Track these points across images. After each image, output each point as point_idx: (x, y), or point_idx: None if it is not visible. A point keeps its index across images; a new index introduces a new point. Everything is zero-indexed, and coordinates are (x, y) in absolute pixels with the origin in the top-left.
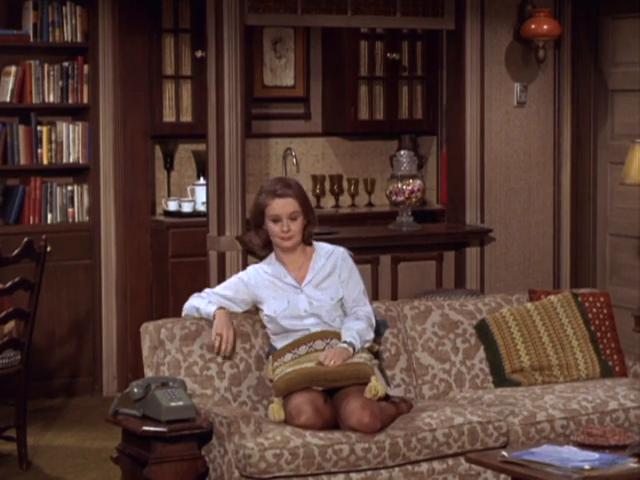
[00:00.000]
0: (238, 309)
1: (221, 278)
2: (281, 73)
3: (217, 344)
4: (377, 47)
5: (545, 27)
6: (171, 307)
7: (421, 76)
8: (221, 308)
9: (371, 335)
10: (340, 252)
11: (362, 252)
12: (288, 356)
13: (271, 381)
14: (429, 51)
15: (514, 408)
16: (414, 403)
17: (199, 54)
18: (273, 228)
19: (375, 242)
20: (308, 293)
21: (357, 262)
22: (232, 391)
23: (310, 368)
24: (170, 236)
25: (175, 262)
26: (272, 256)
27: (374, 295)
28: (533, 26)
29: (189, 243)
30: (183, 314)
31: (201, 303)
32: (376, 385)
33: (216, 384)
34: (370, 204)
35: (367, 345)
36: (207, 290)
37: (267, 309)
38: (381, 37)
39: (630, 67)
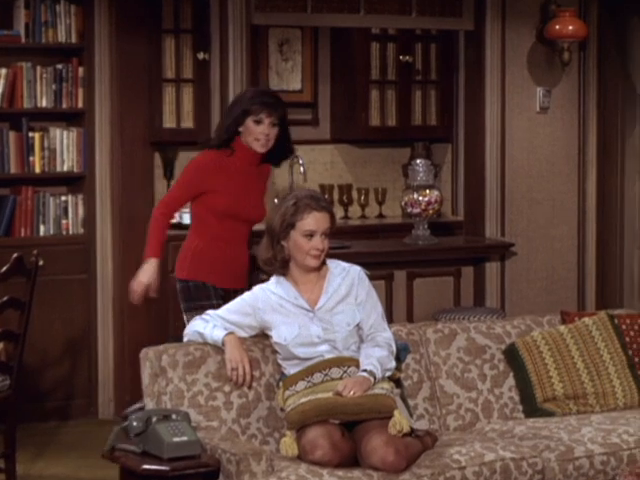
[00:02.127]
0: (244, 334)
1: None
2: (288, 76)
3: (234, 379)
4: (389, 49)
5: (570, 28)
6: (171, 324)
7: (435, 80)
8: (230, 333)
9: (393, 364)
10: (357, 271)
11: (376, 267)
12: (301, 384)
13: (282, 410)
14: (444, 53)
15: (549, 442)
16: (438, 435)
17: (201, 56)
18: (303, 244)
19: (390, 257)
20: (322, 317)
21: (370, 278)
22: (240, 423)
23: (327, 399)
24: (170, 250)
25: (175, 277)
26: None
27: (388, 313)
28: (557, 27)
29: None
30: (185, 339)
31: (206, 327)
32: (400, 420)
33: (223, 415)
34: (381, 215)
35: (388, 374)
36: (210, 312)
37: (276, 336)
38: (393, 38)
39: None
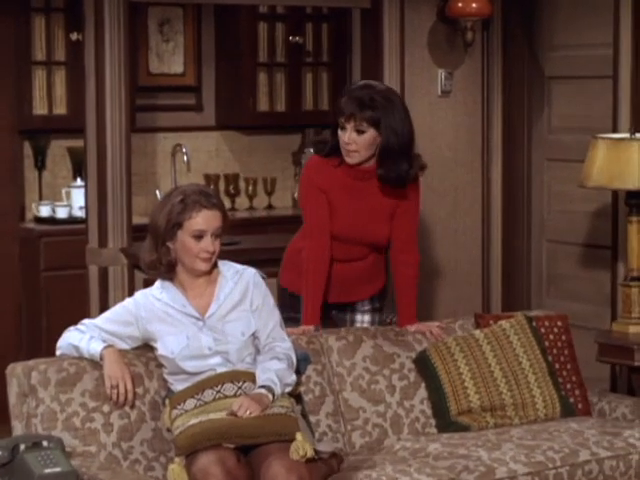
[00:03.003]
0: (125, 346)
1: (103, 298)
2: (169, 59)
3: (115, 398)
4: (278, 29)
5: (473, 5)
6: (44, 329)
7: (327, 62)
8: (109, 346)
9: (293, 377)
10: (251, 274)
11: (267, 265)
12: (190, 402)
13: (169, 431)
14: (336, 34)
15: (467, 462)
16: (344, 455)
17: (74, 37)
18: (192, 246)
19: (282, 253)
20: (213, 327)
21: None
22: (122, 447)
23: (220, 420)
24: (42, 246)
25: (49, 276)
26: (157, 284)
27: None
28: (460, 4)
29: (65, 254)
30: (58, 353)
31: (82, 340)
32: (303, 444)
33: (102, 439)
34: (270, 206)
35: (288, 389)
36: (85, 322)
37: (162, 349)
38: (282, 18)
39: (570, 51)
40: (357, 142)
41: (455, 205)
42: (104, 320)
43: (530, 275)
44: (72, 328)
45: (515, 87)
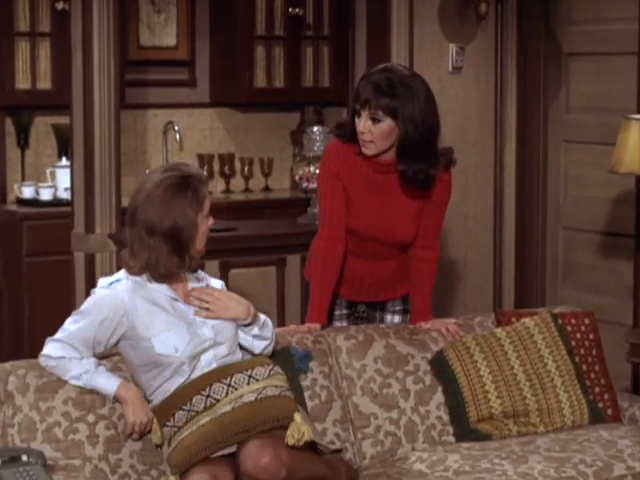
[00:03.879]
0: (102, 349)
1: (90, 287)
2: (161, 31)
3: (136, 438)
4: (276, 0)
5: None
6: (26, 319)
7: (328, 36)
8: (125, 384)
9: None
10: (219, 284)
11: (265, 252)
12: (181, 416)
13: (157, 446)
14: (338, 6)
15: (492, 477)
16: (355, 466)
17: (60, 6)
18: (207, 227)
19: (283, 240)
20: (202, 318)
21: (259, 263)
22: (109, 460)
23: (209, 424)
24: (25, 230)
25: (31, 262)
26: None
27: (280, 305)
28: None
29: (49, 238)
30: (43, 364)
31: (87, 371)
32: (300, 425)
33: (87, 452)
34: (267, 188)
35: (268, 349)
36: (65, 336)
37: (160, 346)
38: None
39: (590, 25)
40: (372, 132)
41: (465, 189)
42: (85, 326)
43: (545, 265)
44: (58, 346)
45: (530, 64)
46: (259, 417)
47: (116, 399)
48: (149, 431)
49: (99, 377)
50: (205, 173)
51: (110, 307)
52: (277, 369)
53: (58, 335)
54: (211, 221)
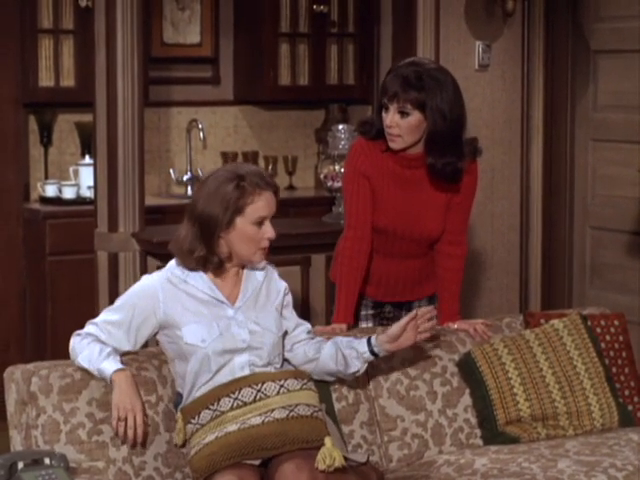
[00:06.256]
0: (138, 339)
1: (113, 286)
2: (184, 28)
3: (121, 432)
4: None
5: None
6: (49, 317)
7: (353, 33)
8: (121, 370)
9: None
10: (283, 286)
11: (290, 251)
12: (206, 414)
13: (179, 446)
14: (364, 2)
15: None
16: (381, 469)
17: (83, 3)
18: (254, 234)
19: (308, 239)
20: (245, 317)
21: (283, 263)
22: (133, 462)
23: (237, 434)
24: (48, 228)
25: (54, 261)
26: (174, 263)
27: (305, 304)
28: None
29: (72, 237)
30: (73, 359)
31: (93, 352)
32: (331, 451)
33: (111, 454)
34: (291, 187)
35: (330, 378)
36: (97, 321)
37: (190, 336)
38: None
39: (618, 22)
40: (400, 125)
41: (492, 187)
42: (115, 310)
43: (572, 264)
44: (86, 332)
45: (558, 61)
46: (289, 436)
47: (110, 382)
48: (142, 436)
49: (105, 361)
50: (276, 186)
51: (143, 296)
52: (311, 385)
53: (95, 319)
54: (267, 234)
